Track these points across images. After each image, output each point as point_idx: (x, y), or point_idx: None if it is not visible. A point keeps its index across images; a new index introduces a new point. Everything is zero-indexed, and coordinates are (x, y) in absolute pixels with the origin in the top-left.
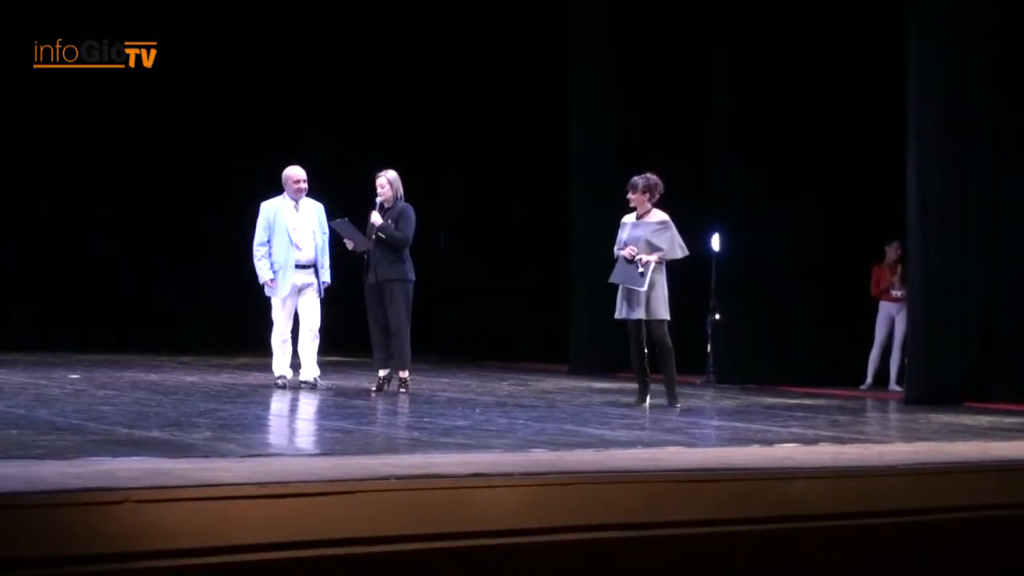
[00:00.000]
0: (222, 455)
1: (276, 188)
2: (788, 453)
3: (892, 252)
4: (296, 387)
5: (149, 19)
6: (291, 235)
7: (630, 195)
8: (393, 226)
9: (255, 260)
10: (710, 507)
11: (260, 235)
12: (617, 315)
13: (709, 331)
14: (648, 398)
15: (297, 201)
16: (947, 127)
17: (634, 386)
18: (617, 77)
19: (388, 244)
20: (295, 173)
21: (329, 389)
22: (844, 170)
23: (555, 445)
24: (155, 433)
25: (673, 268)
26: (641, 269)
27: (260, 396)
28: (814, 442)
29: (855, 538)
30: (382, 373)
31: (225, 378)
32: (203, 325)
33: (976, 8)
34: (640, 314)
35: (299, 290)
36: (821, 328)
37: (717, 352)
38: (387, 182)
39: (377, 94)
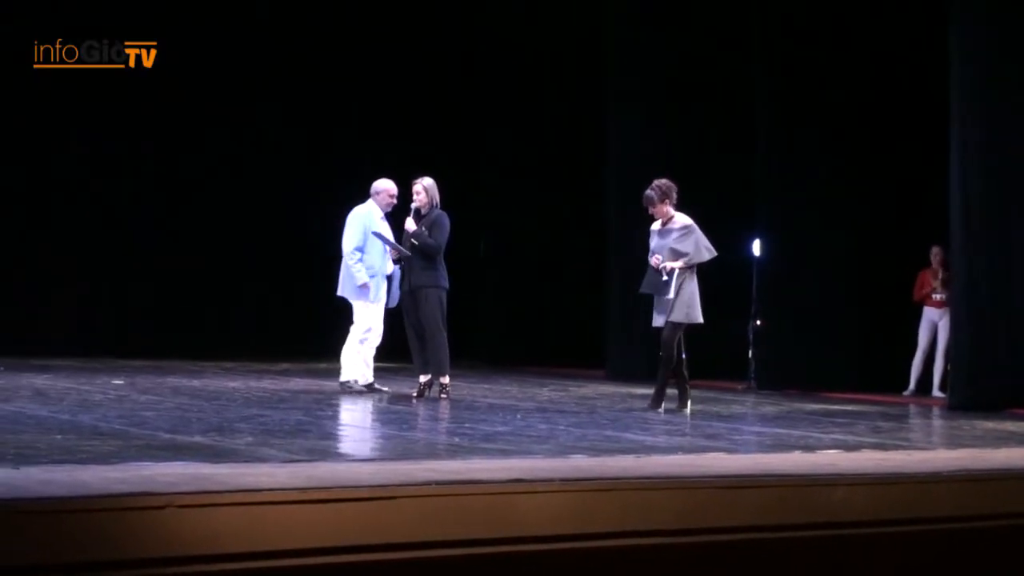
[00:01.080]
0: (263, 460)
1: (310, 193)
2: (830, 459)
3: (934, 257)
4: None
5: (149, 19)
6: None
7: (650, 210)
8: (426, 233)
9: (351, 263)
10: (751, 514)
11: (357, 240)
12: (654, 324)
13: (750, 336)
14: (689, 403)
15: (384, 213)
16: (990, 132)
17: (672, 391)
18: (655, 81)
19: (421, 251)
20: (391, 187)
21: (385, 392)
22: (886, 174)
23: (596, 451)
24: (197, 438)
25: (712, 273)
26: (665, 277)
27: (301, 401)
28: (856, 448)
29: (898, 545)
30: (423, 379)
31: (267, 384)
32: (245, 330)
33: (1019, 13)
34: (668, 316)
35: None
36: (863, 333)
37: (758, 358)
38: (423, 189)
39: (405, 95)
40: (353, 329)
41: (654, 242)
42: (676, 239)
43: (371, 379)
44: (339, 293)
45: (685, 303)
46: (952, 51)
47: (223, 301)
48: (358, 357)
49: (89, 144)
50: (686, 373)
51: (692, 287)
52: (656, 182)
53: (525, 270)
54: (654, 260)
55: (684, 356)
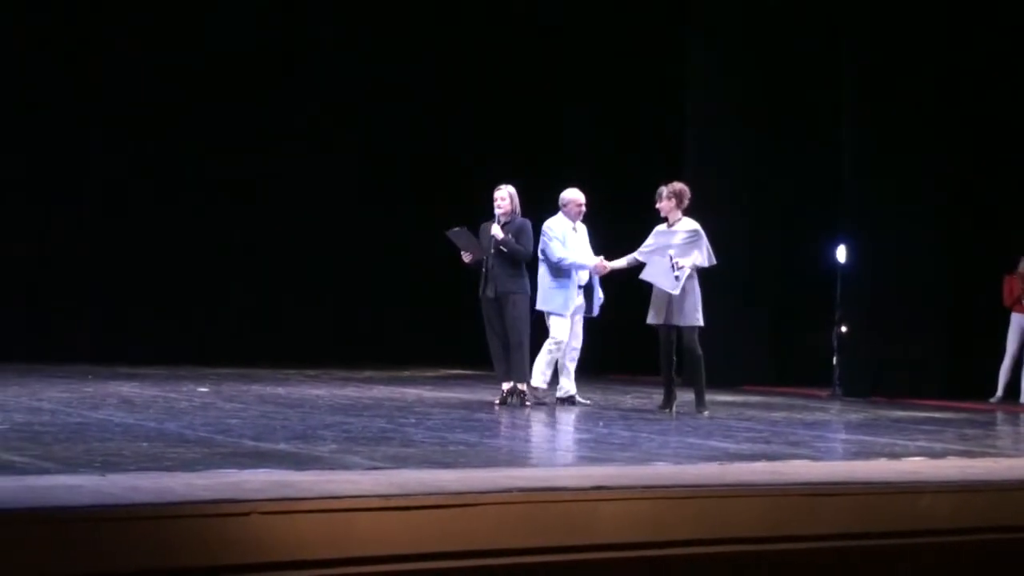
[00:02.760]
0: (347, 467)
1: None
2: (915, 467)
3: (1022, 266)
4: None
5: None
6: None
7: (657, 204)
8: (514, 240)
9: (570, 264)
10: (834, 521)
11: (562, 251)
12: (648, 320)
13: (835, 343)
14: (675, 405)
15: (575, 223)
16: None
17: (705, 397)
18: (741, 86)
19: (508, 257)
20: (578, 196)
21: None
22: (973, 179)
23: (678, 458)
24: (281, 446)
25: (797, 280)
26: (676, 273)
27: (385, 409)
28: (942, 456)
29: (983, 553)
30: (506, 386)
31: (351, 391)
32: (329, 337)
33: None
34: (672, 319)
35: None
36: (950, 340)
37: (843, 364)
38: (507, 195)
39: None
40: (547, 341)
41: (653, 240)
42: (682, 242)
43: (572, 391)
44: (538, 307)
45: (695, 306)
46: None
47: (307, 308)
48: (544, 368)
49: (174, 150)
50: (674, 375)
51: (695, 288)
52: (673, 183)
53: (606, 280)
54: (668, 253)
55: (675, 359)
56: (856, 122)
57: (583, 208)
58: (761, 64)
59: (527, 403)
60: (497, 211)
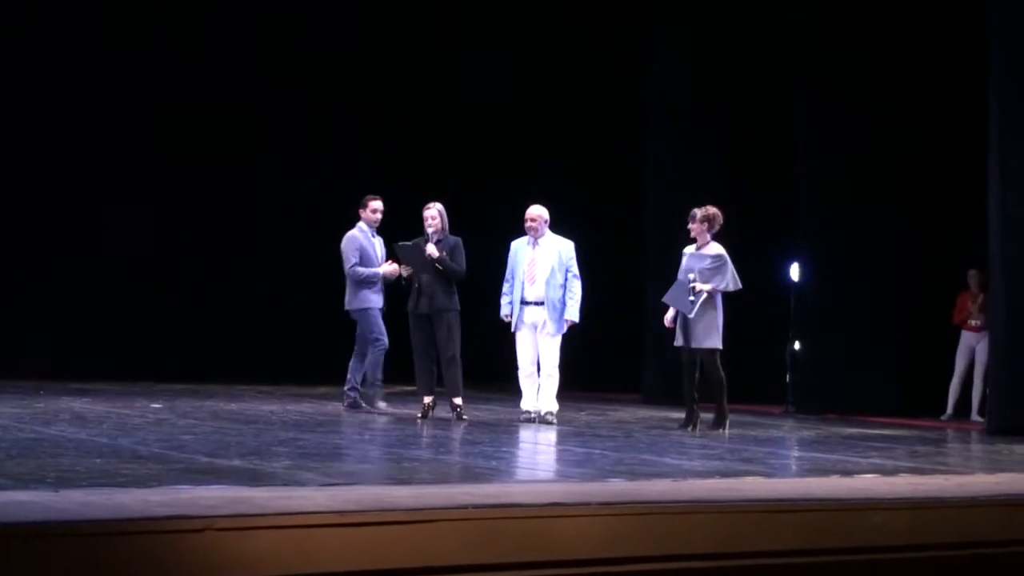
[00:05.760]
0: (302, 484)
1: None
2: (868, 484)
3: (971, 279)
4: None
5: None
6: (523, 272)
7: (689, 225)
8: (448, 258)
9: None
10: (788, 538)
11: (507, 273)
12: (675, 343)
13: (788, 360)
14: (697, 425)
15: (533, 239)
16: None
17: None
18: (694, 105)
19: (443, 275)
20: (527, 211)
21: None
22: (924, 198)
23: (633, 475)
24: (236, 462)
25: (751, 298)
26: (692, 297)
27: (340, 425)
28: (894, 473)
29: (936, 570)
30: (428, 400)
31: (305, 407)
32: (282, 354)
33: None
34: (691, 342)
35: (536, 327)
36: (901, 357)
37: (796, 381)
38: (437, 213)
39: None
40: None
41: (684, 263)
42: (707, 266)
43: (546, 410)
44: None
45: (716, 329)
46: (991, 72)
47: (260, 325)
48: (525, 390)
49: (128, 168)
50: (696, 395)
51: (720, 313)
52: (707, 207)
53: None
54: (687, 277)
55: (697, 379)
56: (810, 141)
57: (528, 223)
58: (715, 80)
59: (463, 417)
60: (429, 229)
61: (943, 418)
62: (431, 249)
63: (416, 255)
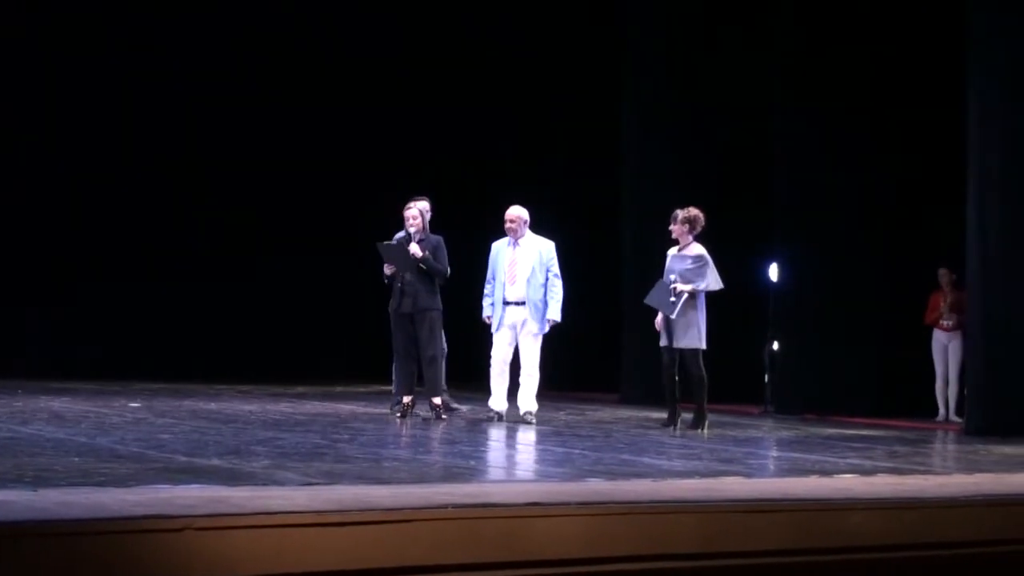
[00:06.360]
0: (281, 483)
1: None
2: (846, 484)
3: (942, 278)
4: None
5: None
6: (503, 273)
7: (671, 226)
8: (431, 258)
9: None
10: (767, 538)
11: (488, 274)
12: (661, 343)
13: (767, 361)
14: (678, 424)
15: (513, 239)
16: (1009, 156)
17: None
18: (673, 107)
19: (426, 275)
20: (507, 212)
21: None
22: (902, 197)
23: (612, 475)
24: (214, 461)
25: (730, 298)
26: (673, 298)
27: (318, 425)
28: (872, 473)
29: (914, 570)
30: (406, 399)
31: (284, 407)
32: (261, 353)
33: None
34: (674, 342)
35: (516, 327)
36: (880, 358)
37: (775, 382)
38: (418, 213)
39: (420, 122)
40: (533, 366)
41: (668, 265)
42: (688, 267)
43: (525, 409)
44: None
45: (699, 329)
46: (970, 73)
47: (239, 324)
48: (495, 388)
49: (112, 168)
50: (677, 395)
51: (703, 313)
52: (689, 208)
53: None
54: (669, 278)
55: (678, 379)
56: (787, 142)
57: (507, 224)
58: (694, 81)
59: (443, 416)
60: (411, 229)
61: (938, 420)
62: (415, 248)
63: (399, 254)
